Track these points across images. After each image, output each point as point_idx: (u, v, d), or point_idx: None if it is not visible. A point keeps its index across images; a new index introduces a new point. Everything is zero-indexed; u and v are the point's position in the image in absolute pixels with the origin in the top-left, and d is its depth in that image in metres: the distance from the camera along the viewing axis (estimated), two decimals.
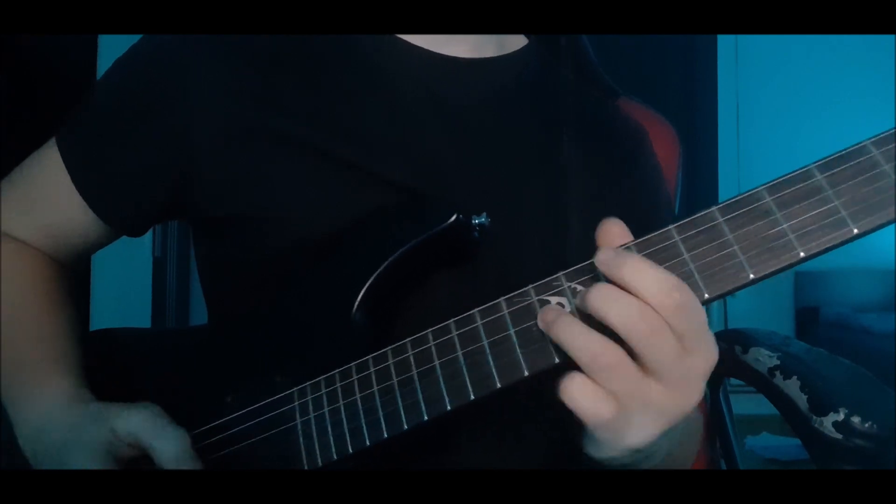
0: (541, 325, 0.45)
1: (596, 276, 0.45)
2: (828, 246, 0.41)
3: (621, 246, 0.45)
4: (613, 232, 0.45)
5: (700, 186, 3.34)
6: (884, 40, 3.31)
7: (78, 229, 0.68)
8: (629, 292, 0.41)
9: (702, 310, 0.42)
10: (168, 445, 0.53)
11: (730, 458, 0.96)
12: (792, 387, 0.76)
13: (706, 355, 0.43)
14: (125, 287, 1.99)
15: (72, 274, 0.72)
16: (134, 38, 0.68)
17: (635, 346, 0.41)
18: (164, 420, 0.55)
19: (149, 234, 0.74)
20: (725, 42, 3.63)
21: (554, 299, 0.46)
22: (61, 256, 0.71)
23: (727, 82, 3.64)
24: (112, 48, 1.96)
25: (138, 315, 2.03)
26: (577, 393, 0.42)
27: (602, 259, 0.42)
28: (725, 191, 3.42)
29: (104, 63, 1.98)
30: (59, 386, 0.60)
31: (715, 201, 0.45)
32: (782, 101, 3.59)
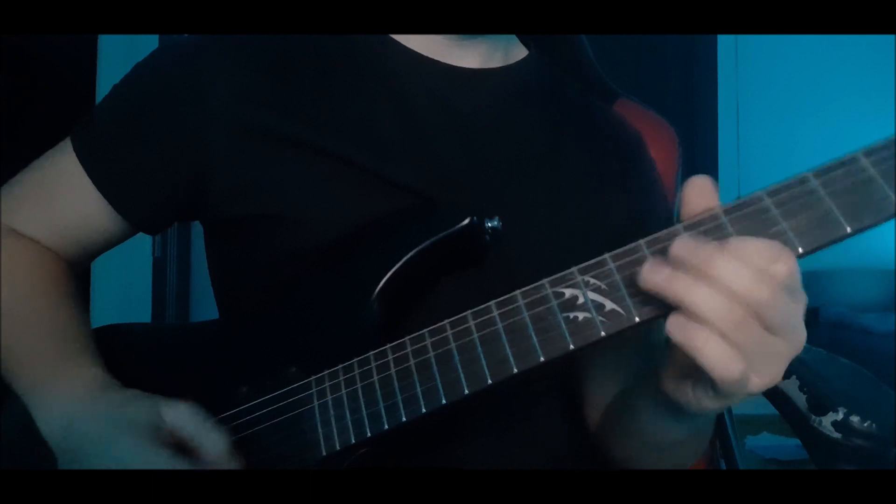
0: (648, 284, 0.44)
1: (609, 270, 0.47)
2: (823, 242, 0.45)
3: (632, 244, 0.47)
4: (706, 187, 0.47)
5: None
6: (884, 40, 3.31)
7: (94, 227, 0.69)
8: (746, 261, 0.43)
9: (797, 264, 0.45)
10: (214, 443, 0.54)
11: (730, 458, 0.96)
12: (791, 386, 0.76)
13: (804, 300, 0.46)
14: (125, 287, 1.99)
15: (81, 274, 0.73)
16: (134, 39, 0.69)
17: (758, 308, 0.43)
18: (208, 418, 0.55)
19: (149, 235, 0.74)
20: (725, 42, 3.62)
21: (568, 291, 0.48)
22: (72, 255, 0.71)
23: (727, 82, 3.63)
24: (112, 48, 1.96)
25: (138, 315, 2.03)
26: (710, 352, 0.43)
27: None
28: (725, 191, 3.38)
29: (104, 63, 1.98)
30: (87, 375, 0.60)
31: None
32: (782, 101, 3.59)
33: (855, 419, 0.67)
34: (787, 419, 0.76)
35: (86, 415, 0.57)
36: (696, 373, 0.47)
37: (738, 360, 0.43)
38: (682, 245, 0.44)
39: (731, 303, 0.43)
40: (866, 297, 3.35)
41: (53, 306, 0.66)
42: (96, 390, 0.59)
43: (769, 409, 0.80)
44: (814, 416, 0.70)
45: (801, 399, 0.73)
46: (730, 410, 0.99)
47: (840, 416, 0.68)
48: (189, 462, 0.54)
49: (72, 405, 0.58)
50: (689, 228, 0.47)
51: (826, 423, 0.69)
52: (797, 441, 0.73)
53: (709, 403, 0.49)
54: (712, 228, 0.46)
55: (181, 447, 0.55)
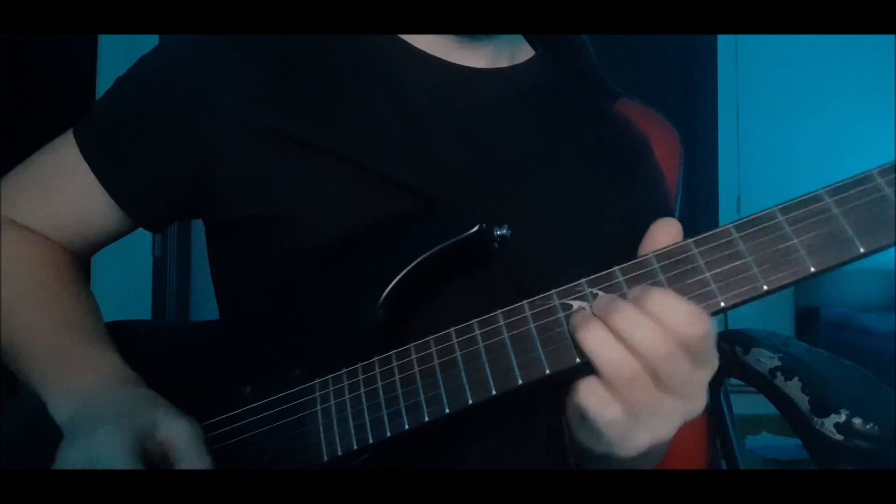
0: (569, 327, 0.47)
1: (617, 284, 0.47)
2: (836, 262, 0.44)
3: (641, 257, 0.47)
4: (672, 229, 0.48)
5: (700, 187, 3.33)
6: (884, 40, 3.31)
7: (95, 223, 0.69)
8: (655, 317, 0.44)
9: (715, 331, 0.46)
10: (191, 465, 0.53)
11: (730, 458, 0.96)
12: (793, 388, 0.76)
13: (711, 368, 0.46)
14: (125, 287, 1.99)
15: (86, 266, 0.73)
16: (134, 39, 0.68)
17: (654, 365, 0.44)
18: (203, 442, 0.54)
19: (149, 234, 0.74)
20: (725, 42, 3.62)
21: (576, 303, 0.48)
22: (77, 249, 0.71)
23: (727, 82, 3.63)
24: (112, 48, 1.96)
25: (138, 315, 2.03)
26: (587, 396, 0.46)
27: (632, 293, 0.45)
28: (725, 191, 3.42)
29: (104, 63, 1.99)
30: (107, 362, 0.60)
31: (715, 202, 0.47)
32: (782, 102, 3.59)
33: (857, 421, 0.67)
34: (789, 420, 0.75)
35: (97, 400, 0.57)
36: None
37: (612, 405, 0.45)
38: (600, 300, 0.46)
39: (627, 356, 0.44)
40: (866, 297, 3.35)
41: (69, 295, 0.66)
42: (114, 379, 0.59)
43: (769, 409, 0.80)
44: (815, 418, 0.70)
45: (802, 400, 0.73)
46: (730, 410, 0.99)
47: (842, 417, 0.68)
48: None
49: (89, 389, 0.58)
50: (699, 244, 0.47)
51: (828, 424, 0.68)
52: (797, 441, 0.72)
53: (593, 446, 0.50)
54: (723, 244, 0.46)
55: (164, 458, 0.53)
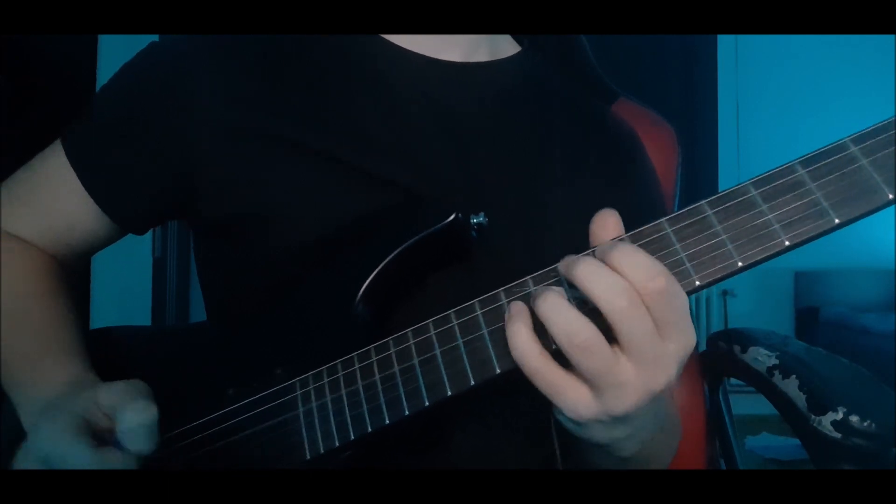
0: (531, 300, 0.45)
1: None
2: (811, 235, 0.43)
3: (615, 238, 0.46)
4: (609, 222, 0.47)
5: (700, 187, 3.34)
6: (884, 40, 3.31)
7: (83, 229, 0.69)
8: (617, 270, 0.42)
9: (684, 297, 0.44)
10: (129, 416, 0.50)
11: (730, 458, 0.96)
12: (790, 386, 0.76)
13: (682, 341, 0.44)
14: (125, 287, 1.99)
15: (73, 274, 0.73)
16: (134, 39, 0.68)
17: (613, 320, 0.42)
18: (140, 394, 0.52)
19: (149, 234, 0.74)
20: (725, 42, 3.63)
21: (553, 288, 0.47)
22: (64, 256, 0.71)
23: (727, 82, 3.64)
24: (112, 48, 1.96)
25: (138, 315, 2.03)
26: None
27: (599, 250, 0.44)
28: None
29: (104, 63, 1.98)
30: (65, 374, 0.60)
31: None
32: (782, 101, 3.59)
33: (854, 419, 0.67)
34: (787, 419, 0.76)
35: (54, 405, 0.56)
36: None
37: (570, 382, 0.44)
38: (564, 261, 0.44)
39: (584, 321, 0.42)
40: (866, 297, 3.36)
41: (39, 306, 0.66)
42: (70, 388, 0.58)
43: (769, 409, 0.80)
44: (813, 416, 0.70)
45: (800, 398, 0.73)
46: (730, 410, 0.99)
47: (839, 415, 0.68)
48: (108, 449, 0.51)
49: (46, 403, 0.57)
50: (673, 223, 0.46)
51: (826, 422, 0.68)
52: (797, 441, 0.72)
53: (567, 424, 0.48)
54: (697, 222, 0.45)
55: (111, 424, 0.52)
